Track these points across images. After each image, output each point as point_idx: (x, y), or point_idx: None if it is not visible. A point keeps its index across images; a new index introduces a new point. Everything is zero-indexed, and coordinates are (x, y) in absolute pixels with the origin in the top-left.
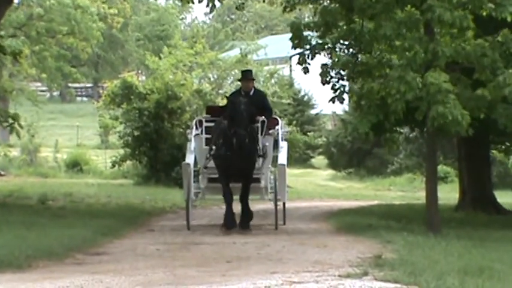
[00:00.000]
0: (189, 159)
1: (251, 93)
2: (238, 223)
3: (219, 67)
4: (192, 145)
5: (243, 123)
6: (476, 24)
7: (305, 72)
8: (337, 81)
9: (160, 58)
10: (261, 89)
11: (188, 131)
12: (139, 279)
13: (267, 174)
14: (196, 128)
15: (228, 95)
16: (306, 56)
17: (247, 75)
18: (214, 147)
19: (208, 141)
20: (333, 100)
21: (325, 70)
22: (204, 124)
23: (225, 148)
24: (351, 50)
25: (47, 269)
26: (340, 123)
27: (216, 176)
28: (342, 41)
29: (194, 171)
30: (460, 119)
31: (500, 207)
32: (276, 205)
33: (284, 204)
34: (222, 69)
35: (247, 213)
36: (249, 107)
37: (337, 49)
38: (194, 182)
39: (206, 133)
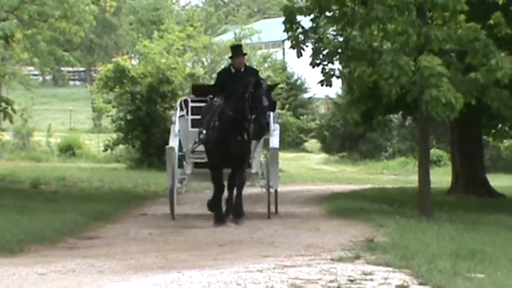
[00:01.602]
0: (173, 142)
1: (242, 70)
2: (232, 216)
3: (212, 51)
4: (176, 127)
5: (263, 111)
6: (468, 7)
7: (298, 56)
8: (327, 64)
9: (150, 41)
10: (252, 66)
11: (172, 112)
12: (131, 263)
13: (258, 158)
14: (181, 109)
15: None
16: (299, 39)
17: (238, 51)
18: (204, 131)
19: (196, 123)
20: (321, 83)
21: (316, 51)
22: (190, 104)
23: (222, 131)
24: (342, 34)
25: (39, 253)
26: (333, 107)
27: (203, 161)
28: (334, 26)
29: (179, 155)
30: (454, 103)
31: (492, 190)
32: (268, 192)
33: (276, 191)
34: (216, 54)
35: (240, 202)
36: (269, 93)
37: (329, 34)
38: (179, 167)
39: (193, 114)
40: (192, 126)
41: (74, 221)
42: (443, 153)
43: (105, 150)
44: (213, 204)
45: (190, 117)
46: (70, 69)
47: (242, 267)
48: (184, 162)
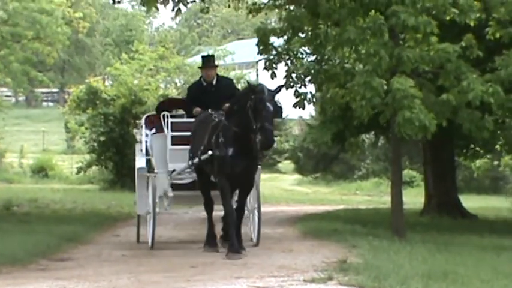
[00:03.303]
0: (142, 163)
1: (214, 82)
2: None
3: (185, 72)
4: (142, 146)
5: (269, 118)
6: (440, 29)
7: (272, 78)
8: (300, 87)
9: (121, 63)
10: (226, 76)
11: (136, 130)
12: (103, 285)
13: None
14: (147, 127)
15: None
16: (273, 61)
17: (208, 62)
18: (210, 153)
19: (177, 141)
20: (295, 105)
21: (289, 74)
22: (170, 120)
23: (233, 149)
24: (314, 56)
25: (10, 275)
26: (307, 128)
27: (182, 182)
28: (307, 47)
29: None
30: (428, 125)
31: (465, 211)
32: (258, 215)
33: (259, 215)
34: (189, 75)
35: (239, 228)
36: (273, 100)
37: (302, 55)
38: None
39: (173, 131)
40: (173, 144)
41: (46, 243)
42: (416, 174)
43: (78, 172)
44: (208, 229)
45: (170, 133)
46: (43, 90)
47: None
48: (166, 184)
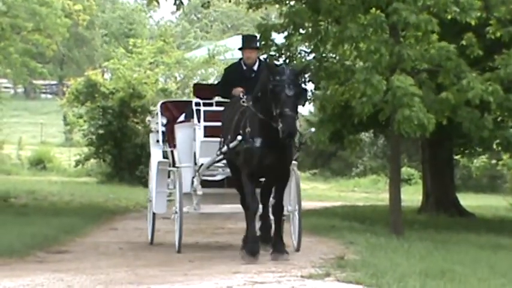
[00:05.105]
0: (158, 155)
1: (255, 67)
2: (271, 247)
3: (185, 67)
4: (159, 137)
5: (289, 103)
6: (441, 27)
7: None
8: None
9: (118, 59)
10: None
11: (149, 118)
12: (100, 278)
13: None
14: (162, 115)
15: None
16: (273, 57)
17: (249, 42)
18: (239, 138)
19: (210, 132)
20: None
21: None
22: (202, 108)
23: (260, 139)
24: (314, 54)
25: (8, 267)
26: (306, 125)
27: (213, 178)
28: (307, 44)
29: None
30: (426, 123)
31: (462, 209)
32: (298, 217)
33: (300, 217)
34: (189, 69)
35: (281, 229)
36: (296, 81)
37: (302, 52)
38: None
39: (206, 121)
40: (205, 136)
41: (44, 235)
42: (414, 171)
43: (77, 165)
44: (247, 230)
45: (202, 124)
46: (42, 82)
47: (212, 283)
48: (194, 181)
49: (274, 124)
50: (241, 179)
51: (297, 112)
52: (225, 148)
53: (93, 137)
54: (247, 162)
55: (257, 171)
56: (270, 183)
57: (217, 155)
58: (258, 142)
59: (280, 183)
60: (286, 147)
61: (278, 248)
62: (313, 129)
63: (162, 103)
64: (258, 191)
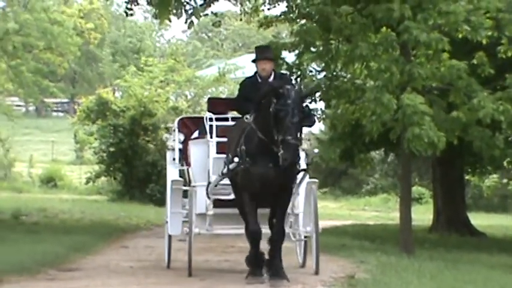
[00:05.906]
0: (174, 174)
1: (270, 79)
2: (269, 270)
3: (196, 85)
4: (175, 155)
5: (292, 129)
6: (452, 46)
7: None
8: (310, 103)
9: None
10: (284, 72)
11: (166, 135)
12: None
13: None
14: (179, 131)
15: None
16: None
17: (263, 53)
18: (236, 159)
19: (222, 148)
20: None
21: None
22: (215, 123)
23: (261, 161)
24: (326, 71)
25: (19, 285)
26: (316, 143)
27: (226, 197)
28: (317, 62)
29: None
30: (436, 142)
31: (473, 229)
32: (315, 239)
33: (318, 240)
34: (200, 87)
35: (279, 253)
36: (301, 105)
37: (312, 70)
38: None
39: (219, 136)
40: (218, 152)
41: (55, 253)
42: (425, 190)
43: (87, 183)
44: (250, 255)
45: (214, 139)
46: (53, 100)
47: None
48: (207, 200)
49: (275, 148)
50: (240, 199)
51: (300, 139)
52: (225, 170)
53: (104, 154)
54: (245, 183)
55: (255, 192)
56: (272, 206)
57: (219, 176)
58: (253, 162)
59: (280, 209)
60: (287, 170)
61: (279, 273)
62: (316, 150)
63: (180, 119)
64: (263, 211)
